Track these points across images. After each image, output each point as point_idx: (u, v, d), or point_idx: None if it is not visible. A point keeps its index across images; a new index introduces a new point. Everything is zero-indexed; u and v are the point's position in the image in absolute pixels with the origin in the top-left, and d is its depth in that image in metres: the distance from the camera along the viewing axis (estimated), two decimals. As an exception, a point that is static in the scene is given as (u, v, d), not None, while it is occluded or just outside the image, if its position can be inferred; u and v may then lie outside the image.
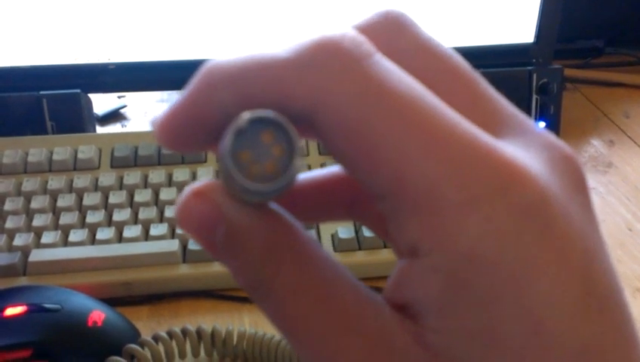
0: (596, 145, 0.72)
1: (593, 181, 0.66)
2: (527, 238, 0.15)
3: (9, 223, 0.54)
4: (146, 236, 0.54)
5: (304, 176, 0.21)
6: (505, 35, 0.69)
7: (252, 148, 0.16)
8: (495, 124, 0.17)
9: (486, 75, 0.69)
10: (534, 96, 0.68)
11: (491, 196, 0.15)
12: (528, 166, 0.15)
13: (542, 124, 0.69)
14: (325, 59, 0.16)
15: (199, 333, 0.45)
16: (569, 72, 0.79)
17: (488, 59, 0.69)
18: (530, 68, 0.68)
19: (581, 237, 0.15)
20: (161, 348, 0.44)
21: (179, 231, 0.54)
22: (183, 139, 0.18)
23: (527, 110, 0.69)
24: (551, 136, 0.17)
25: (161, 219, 0.56)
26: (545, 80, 0.68)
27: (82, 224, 0.55)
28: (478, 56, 0.69)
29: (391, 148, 0.15)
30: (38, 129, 0.64)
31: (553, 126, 0.70)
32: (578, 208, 0.16)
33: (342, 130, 0.16)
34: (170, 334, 0.43)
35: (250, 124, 0.16)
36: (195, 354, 0.45)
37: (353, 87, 0.16)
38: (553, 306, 0.15)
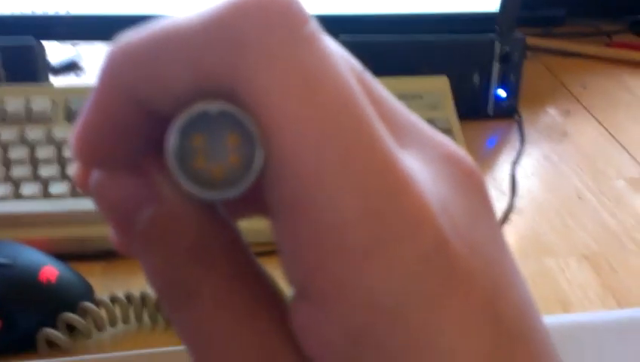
0: (552, 115, 0.74)
1: (548, 150, 0.68)
2: (430, 284, 0.13)
3: (-42, 175, 0.52)
4: (102, 192, 0.53)
5: None
6: (469, 2, 0.69)
7: (207, 141, 0.14)
8: (397, 133, 0.15)
9: (449, 42, 0.69)
10: (496, 65, 0.69)
11: (396, 241, 0.13)
12: (434, 201, 0.14)
13: (502, 93, 0.70)
14: (247, 24, 0.13)
15: (158, 301, 0.44)
16: (530, 41, 0.80)
17: (452, 26, 0.69)
18: (492, 36, 0.69)
19: (486, 267, 0.14)
20: (117, 309, 0.43)
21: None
22: (108, 152, 0.15)
23: (487, 78, 0.69)
24: (451, 146, 0.16)
25: (118, 174, 0.55)
26: (507, 49, 0.68)
27: (35, 177, 0.53)
28: (441, 23, 0.69)
29: (308, 152, 0.13)
30: (-11, 78, 0.62)
31: (513, 94, 0.71)
32: (483, 231, 0.15)
33: (260, 117, 0.13)
34: (129, 297, 0.43)
35: (217, 115, 0.14)
36: (154, 320, 0.45)
37: (284, 75, 0.13)
38: (463, 354, 0.14)
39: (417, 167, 0.15)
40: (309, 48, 0.13)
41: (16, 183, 0.53)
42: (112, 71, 0.14)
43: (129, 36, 0.14)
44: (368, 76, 0.16)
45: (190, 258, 0.14)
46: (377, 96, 0.15)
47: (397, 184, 0.13)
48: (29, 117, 0.58)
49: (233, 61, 0.13)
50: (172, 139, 0.14)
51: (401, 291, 0.13)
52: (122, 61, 0.14)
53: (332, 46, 0.14)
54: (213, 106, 0.14)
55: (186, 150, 0.14)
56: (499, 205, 0.59)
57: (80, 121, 0.15)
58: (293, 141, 0.13)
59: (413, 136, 0.16)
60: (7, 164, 0.54)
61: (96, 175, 0.15)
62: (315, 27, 0.14)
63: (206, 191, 0.14)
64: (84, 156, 0.15)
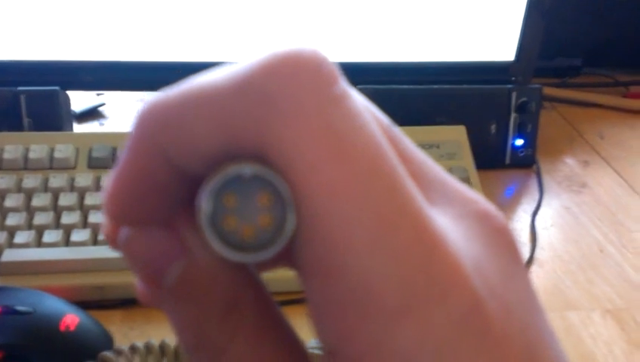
0: (571, 165, 0.74)
1: (567, 201, 0.67)
2: (465, 347, 0.13)
3: (-19, 221, 0.53)
4: (122, 239, 0.53)
5: None
6: (486, 52, 0.70)
7: (239, 201, 0.14)
8: (426, 189, 0.15)
9: (466, 92, 0.69)
10: (513, 115, 0.69)
11: (430, 304, 0.13)
12: (467, 261, 0.14)
13: (520, 142, 0.70)
14: (276, 84, 0.13)
15: (177, 350, 0.44)
16: (547, 91, 0.81)
17: (468, 76, 0.70)
18: (509, 86, 0.69)
19: (521, 328, 0.14)
20: (136, 359, 0.43)
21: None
22: (139, 209, 0.15)
23: (505, 128, 0.70)
24: (481, 202, 0.16)
25: (138, 222, 0.55)
26: (524, 99, 0.69)
27: (57, 225, 0.54)
28: (458, 73, 0.70)
29: (339, 215, 0.13)
30: (15, 125, 0.63)
31: (530, 144, 0.71)
32: (517, 291, 0.15)
33: (291, 173, 0.13)
34: (148, 347, 0.43)
35: (250, 178, 0.13)
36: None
37: (314, 137, 0.13)
38: None
39: (449, 225, 0.14)
40: (339, 108, 0.13)
41: (39, 230, 0.53)
42: (141, 131, 0.14)
43: (158, 96, 0.14)
44: (396, 131, 0.16)
45: (218, 314, 0.14)
46: (405, 152, 0.15)
47: (430, 245, 0.13)
48: (52, 164, 0.59)
49: (263, 122, 0.13)
50: (204, 202, 0.14)
51: (435, 354, 0.13)
52: (151, 122, 0.14)
53: (361, 103, 0.14)
54: (247, 169, 0.13)
55: (218, 210, 0.14)
56: (519, 256, 0.58)
57: (111, 179, 0.15)
58: (323, 204, 0.13)
59: (442, 193, 0.15)
60: (31, 211, 0.54)
61: (125, 230, 0.15)
62: (345, 85, 0.14)
63: (237, 254, 0.14)
64: (115, 213, 0.15)
